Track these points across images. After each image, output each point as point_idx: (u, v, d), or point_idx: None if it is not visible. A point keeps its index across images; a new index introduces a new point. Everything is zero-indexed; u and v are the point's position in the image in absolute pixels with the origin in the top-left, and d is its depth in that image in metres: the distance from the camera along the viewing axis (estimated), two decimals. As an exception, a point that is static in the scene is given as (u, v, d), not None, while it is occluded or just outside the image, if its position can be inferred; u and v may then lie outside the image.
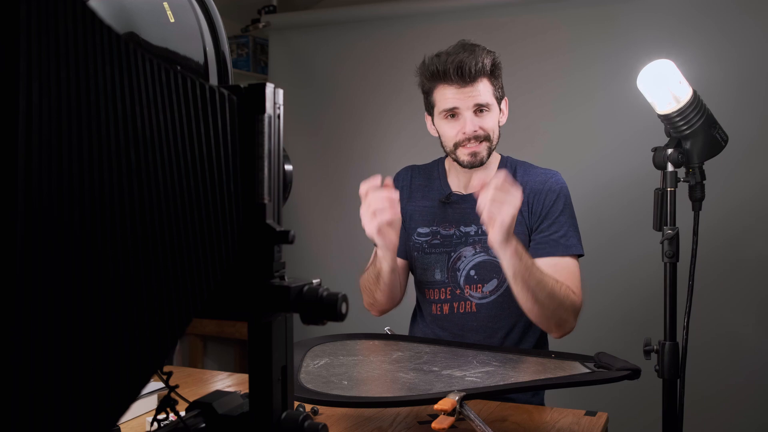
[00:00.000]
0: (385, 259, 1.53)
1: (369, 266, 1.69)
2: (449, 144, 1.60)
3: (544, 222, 1.58)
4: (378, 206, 1.41)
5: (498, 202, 1.33)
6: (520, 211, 1.58)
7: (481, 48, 1.57)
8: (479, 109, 1.56)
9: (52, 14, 0.38)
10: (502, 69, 1.61)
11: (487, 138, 1.57)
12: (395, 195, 1.44)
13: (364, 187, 1.43)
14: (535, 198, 1.60)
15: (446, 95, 1.56)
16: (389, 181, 1.44)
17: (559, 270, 1.54)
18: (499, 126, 1.62)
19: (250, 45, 3.34)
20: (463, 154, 1.58)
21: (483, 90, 1.55)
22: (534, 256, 1.56)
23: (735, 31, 2.36)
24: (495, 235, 1.36)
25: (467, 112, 1.55)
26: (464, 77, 1.53)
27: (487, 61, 1.55)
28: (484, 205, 1.34)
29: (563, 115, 2.59)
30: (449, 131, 1.59)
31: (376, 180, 1.43)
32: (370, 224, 1.43)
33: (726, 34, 2.37)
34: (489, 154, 1.59)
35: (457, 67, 1.52)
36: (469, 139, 1.56)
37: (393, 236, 1.46)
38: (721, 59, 2.35)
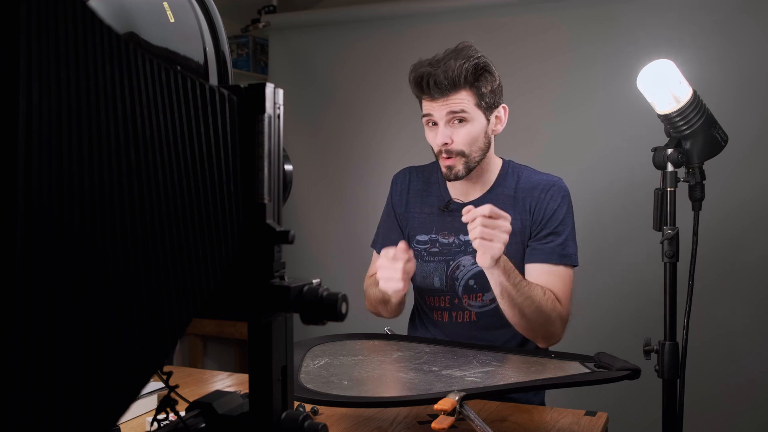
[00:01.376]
0: (395, 296, 1.52)
1: (371, 275, 1.68)
2: (434, 151, 1.59)
3: (545, 229, 1.56)
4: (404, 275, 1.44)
5: (487, 238, 1.33)
6: (521, 219, 1.57)
7: (464, 57, 1.48)
8: (455, 119, 1.51)
9: (52, 14, 0.38)
10: (497, 74, 1.54)
11: (461, 153, 1.52)
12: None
13: (402, 254, 1.44)
14: (537, 206, 1.57)
15: (425, 103, 1.55)
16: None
17: (552, 278, 1.52)
18: (487, 136, 1.55)
19: (250, 45, 3.34)
20: (441, 165, 1.56)
21: (459, 101, 1.49)
22: (529, 261, 1.56)
23: (735, 31, 2.36)
24: (484, 262, 1.38)
25: (441, 122, 1.52)
26: (433, 91, 1.49)
27: (462, 72, 1.46)
28: (472, 238, 1.35)
29: (563, 115, 2.59)
30: (431, 139, 1.57)
31: (409, 252, 1.46)
32: (395, 281, 1.45)
33: (726, 34, 2.36)
34: (468, 170, 1.54)
35: (420, 79, 1.50)
36: (441, 152, 1.54)
37: (408, 286, 1.50)
38: (721, 59, 2.35)
